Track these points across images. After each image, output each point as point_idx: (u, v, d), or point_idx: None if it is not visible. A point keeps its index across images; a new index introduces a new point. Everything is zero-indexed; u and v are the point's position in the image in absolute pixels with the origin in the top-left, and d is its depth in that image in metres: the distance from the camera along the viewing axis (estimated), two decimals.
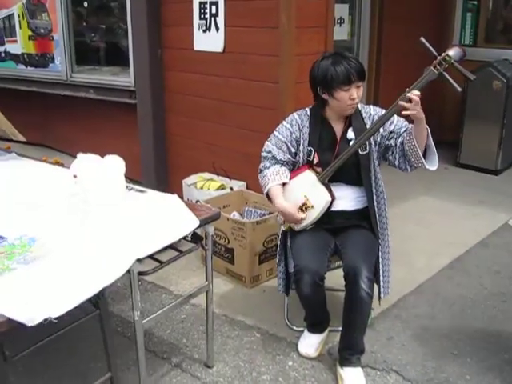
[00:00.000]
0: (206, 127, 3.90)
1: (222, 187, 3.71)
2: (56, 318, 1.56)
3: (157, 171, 4.21)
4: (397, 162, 2.44)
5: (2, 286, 1.67)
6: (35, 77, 5.17)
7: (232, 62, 3.55)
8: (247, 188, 3.71)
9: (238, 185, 3.72)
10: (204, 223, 2.14)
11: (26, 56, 5.23)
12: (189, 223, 2.06)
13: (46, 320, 1.53)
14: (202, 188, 3.71)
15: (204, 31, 3.62)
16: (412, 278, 3.28)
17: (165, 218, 2.10)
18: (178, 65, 3.93)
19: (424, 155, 2.34)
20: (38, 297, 1.61)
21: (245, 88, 3.54)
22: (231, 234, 3.17)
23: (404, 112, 2.24)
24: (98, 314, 1.96)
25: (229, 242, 3.22)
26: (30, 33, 5.11)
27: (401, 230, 3.76)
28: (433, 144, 2.36)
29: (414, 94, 2.20)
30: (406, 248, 3.61)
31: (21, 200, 2.34)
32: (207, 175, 3.88)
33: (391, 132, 2.43)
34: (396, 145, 2.41)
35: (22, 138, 3.03)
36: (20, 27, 5.18)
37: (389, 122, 2.41)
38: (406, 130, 2.40)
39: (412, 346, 2.67)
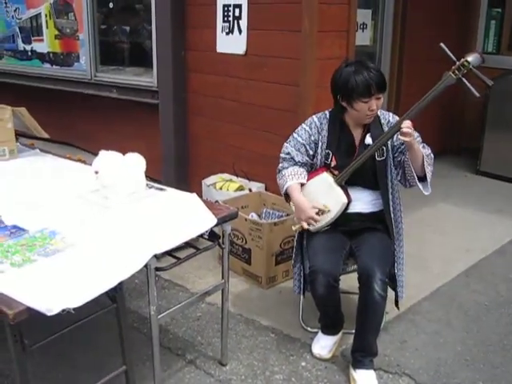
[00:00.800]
0: (226, 128, 3.94)
1: (240, 188, 3.74)
2: (74, 310, 1.60)
3: (177, 171, 4.26)
4: (399, 177, 2.52)
5: (23, 277, 1.72)
6: (60, 75, 5.26)
7: (254, 64, 3.58)
8: (266, 190, 3.75)
9: (257, 186, 3.76)
10: (221, 222, 2.17)
11: (51, 55, 5.33)
12: (207, 221, 2.10)
13: (64, 310, 1.58)
14: (221, 189, 3.75)
15: (227, 34, 3.66)
16: (428, 283, 3.28)
17: (183, 215, 2.14)
18: (201, 66, 3.98)
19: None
20: (58, 288, 1.66)
21: (265, 90, 3.57)
22: (249, 235, 3.21)
23: (400, 137, 2.28)
24: (114, 308, 2.00)
25: (246, 243, 3.25)
26: (56, 32, 5.21)
27: (418, 235, 3.76)
28: (429, 172, 2.42)
29: (406, 127, 2.24)
30: (422, 253, 3.61)
31: (43, 194, 2.40)
32: (227, 176, 3.92)
33: (402, 143, 2.44)
34: (401, 160, 2.46)
35: (45, 135, 3.09)
36: (47, 27, 5.28)
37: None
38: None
39: (425, 350, 2.67)
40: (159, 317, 2.07)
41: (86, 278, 1.72)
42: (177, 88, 4.08)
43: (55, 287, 1.65)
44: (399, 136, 2.28)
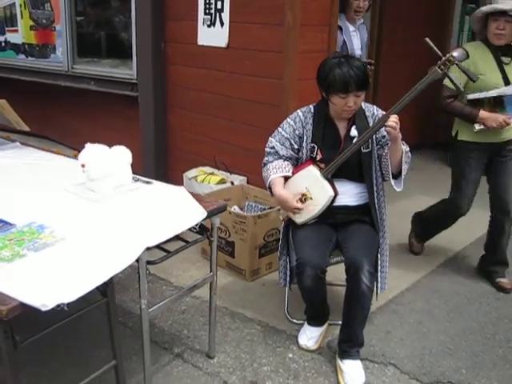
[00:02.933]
0: (207, 122, 3.93)
1: (222, 181, 3.74)
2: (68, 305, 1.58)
3: (157, 164, 4.23)
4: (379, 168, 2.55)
5: (14, 272, 1.69)
6: (36, 67, 5.17)
7: (236, 57, 3.57)
8: (248, 183, 3.75)
9: (239, 179, 3.76)
10: (211, 215, 2.17)
11: (26, 46, 5.22)
12: (197, 214, 2.10)
13: (58, 306, 1.56)
14: (202, 181, 3.74)
15: (208, 26, 3.64)
16: (409, 274, 3.34)
17: (173, 208, 2.14)
18: (181, 59, 3.95)
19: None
20: (51, 283, 1.63)
21: (248, 84, 3.57)
22: (232, 228, 3.21)
23: (387, 129, 2.32)
24: (105, 302, 1.98)
25: (230, 236, 3.25)
26: (31, 23, 5.11)
27: (398, 227, 3.80)
28: (405, 169, 2.46)
29: (393, 121, 2.28)
30: (403, 245, 3.67)
31: (28, 188, 2.36)
32: (208, 169, 3.91)
33: (384, 136, 2.48)
34: (380, 154, 2.51)
35: (26, 128, 3.03)
36: (21, 17, 5.18)
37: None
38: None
39: (409, 340, 2.72)
40: (150, 310, 2.06)
41: (79, 273, 1.70)
42: (157, 80, 4.05)
43: (49, 282, 1.63)
44: (386, 128, 2.31)
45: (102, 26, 5.05)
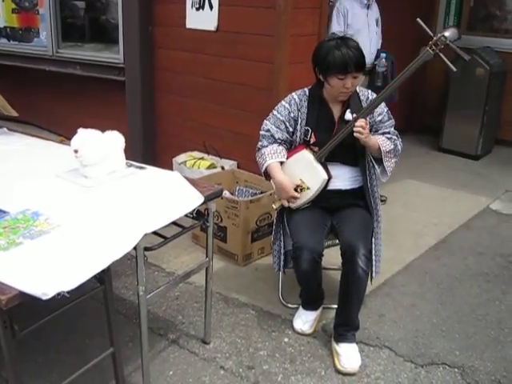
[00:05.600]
0: (196, 106, 3.89)
1: (212, 166, 3.71)
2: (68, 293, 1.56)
3: (145, 150, 4.18)
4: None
5: (11, 260, 1.66)
6: (19, 51, 5.04)
7: (225, 41, 3.53)
8: (238, 167, 3.73)
9: (229, 164, 3.73)
10: (207, 200, 2.15)
11: (8, 30, 5.09)
12: (194, 199, 2.07)
13: (59, 294, 1.53)
14: (192, 166, 3.71)
15: (197, 9, 3.59)
16: (400, 257, 3.36)
17: (170, 193, 2.12)
18: (169, 43, 3.89)
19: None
20: (50, 271, 1.60)
21: (238, 67, 3.53)
22: (224, 213, 3.19)
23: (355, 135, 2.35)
24: (102, 290, 1.96)
25: (222, 221, 3.23)
26: (13, 6, 4.98)
27: (388, 211, 3.82)
28: (389, 166, 2.51)
29: (359, 125, 2.31)
30: (393, 229, 3.68)
31: (19, 174, 2.31)
32: (197, 154, 3.88)
33: (380, 121, 2.50)
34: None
35: (14, 114, 2.96)
36: (2, 0, 5.04)
37: (377, 113, 2.47)
38: (383, 133, 2.51)
39: (403, 322, 2.74)
40: (148, 297, 2.04)
41: (78, 260, 1.67)
42: (144, 64, 3.99)
43: (48, 270, 1.60)
44: (354, 134, 2.34)
45: (87, 9, 4.95)
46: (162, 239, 2.14)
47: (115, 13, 4.18)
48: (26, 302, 1.52)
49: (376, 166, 2.51)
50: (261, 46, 3.34)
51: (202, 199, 2.09)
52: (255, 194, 3.42)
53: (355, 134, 2.33)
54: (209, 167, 3.70)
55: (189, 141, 3.97)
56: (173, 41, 3.87)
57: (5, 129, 3.00)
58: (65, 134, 4.59)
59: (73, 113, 4.78)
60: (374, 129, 2.51)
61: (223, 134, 3.76)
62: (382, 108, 2.51)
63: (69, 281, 1.58)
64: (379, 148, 2.42)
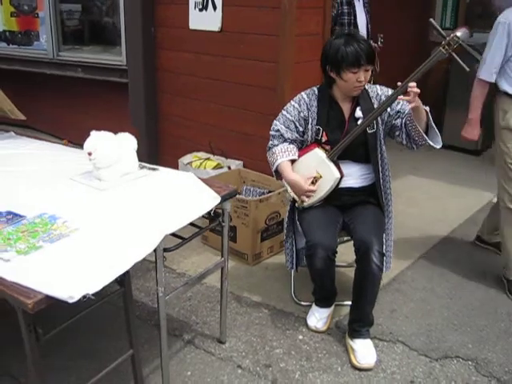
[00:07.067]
0: (201, 107, 3.89)
1: (219, 166, 3.72)
2: (93, 295, 1.56)
3: (149, 152, 4.18)
4: (404, 142, 2.51)
5: (33, 264, 1.66)
6: (19, 55, 5.03)
7: (229, 41, 3.54)
8: (244, 167, 3.74)
9: (235, 164, 3.74)
10: (223, 200, 2.16)
11: (7, 33, 5.07)
12: (211, 199, 2.08)
13: (84, 297, 1.53)
14: (198, 167, 3.71)
15: (200, 10, 3.59)
16: (408, 253, 3.38)
17: (187, 193, 2.12)
18: (172, 44, 3.89)
19: (427, 134, 2.43)
20: (74, 274, 1.61)
21: (242, 67, 3.54)
22: (234, 212, 3.20)
23: (403, 98, 2.30)
24: (121, 292, 1.96)
25: (231, 220, 3.23)
26: (12, 9, 4.96)
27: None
28: (433, 125, 2.43)
29: (413, 86, 2.26)
30: (398, 225, 3.65)
31: (32, 178, 2.32)
32: (203, 154, 3.89)
33: (398, 112, 2.49)
34: (402, 124, 2.48)
35: (22, 117, 2.96)
36: (1, 3, 5.02)
37: (396, 102, 2.47)
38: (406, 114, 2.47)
39: (415, 317, 2.76)
40: (167, 298, 2.05)
41: (101, 262, 1.68)
42: (147, 66, 3.99)
43: (71, 273, 1.60)
44: (403, 98, 2.29)
45: (87, 12, 4.92)
46: (177, 239, 2.15)
47: (117, 14, 4.18)
48: (49, 306, 1.52)
49: (427, 138, 2.41)
50: (265, 45, 3.35)
51: (218, 199, 2.10)
52: (263, 193, 3.43)
53: (409, 98, 2.26)
54: (215, 167, 3.70)
55: (193, 141, 3.97)
56: (176, 42, 3.87)
57: (12, 133, 3.01)
58: (67, 138, 4.60)
59: (75, 116, 4.78)
60: (397, 116, 2.48)
61: (228, 134, 3.77)
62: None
63: (93, 283, 1.58)
64: (426, 111, 2.37)
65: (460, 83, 5.18)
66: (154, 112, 4.14)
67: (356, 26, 3.76)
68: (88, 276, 1.61)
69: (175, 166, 3.82)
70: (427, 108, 2.42)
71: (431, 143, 2.45)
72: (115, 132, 2.37)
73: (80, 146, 2.31)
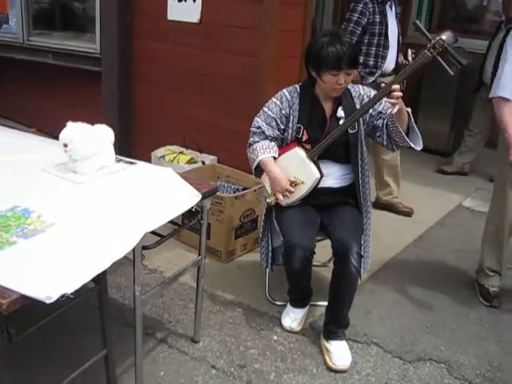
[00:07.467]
0: (176, 99, 3.81)
1: (192, 161, 3.65)
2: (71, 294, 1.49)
3: (121, 143, 4.04)
4: (385, 143, 2.50)
5: (7, 261, 1.58)
6: None
7: (209, 33, 3.47)
8: (218, 162, 3.68)
9: (209, 159, 3.68)
10: (203, 197, 2.10)
11: None
12: (191, 197, 2.03)
13: (63, 296, 1.47)
14: (172, 161, 3.64)
15: (179, 0, 3.51)
16: (380, 254, 3.38)
17: (167, 190, 2.07)
18: (149, 33, 3.80)
19: (408, 135, 2.41)
20: (51, 272, 1.54)
21: (221, 60, 3.47)
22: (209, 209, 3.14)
23: (388, 100, 2.28)
24: (96, 290, 1.89)
25: None
26: None
27: None
28: (415, 127, 2.41)
29: (396, 89, 2.24)
30: (372, 226, 3.71)
31: (2, 168, 2.21)
32: (176, 148, 3.81)
33: (379, 112, 2.48)
34: (383, 125, 2.47)
35: None
36: None
37: (378, 103, 2.45)
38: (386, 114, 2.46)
39: (389, 319, 2.77)
40: (143, 297, 1.99)
41: (78, 260, 1.61)
42: (122, 55, 3.88)
43: (48, 271, 1.53)
44: (390, 100, 2.26)
45: None
46: (154, 237, 2.08)
47: (92, 0, 4.04)
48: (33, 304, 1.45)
49: (408, 140, 2.38)
50: (246, 39, 3.29)
51: (199, 197, 2.04)
52: (237, 189, 3.39)
53: (394, 101, 2.23)
54: (188, 162, 3.64)
55: (167, 134, 3.89)
56: (153, 31, 3.78)
57: None
58: (36, 126, 4.45)
59: (44, 104, 4.61)
60: (378, 116, 2.47)
61: (204, 128, 3.70)
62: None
63: (71, 282, 1.51)
64: (408, 113, 2.34)
65: (432, 86, 5.26)
66: (128, 102, 4.04)
67: (387, 36, 3.60)
68: (65, 274, 1.54)
69: (148, 159, 3.73)
70: (409, 109, 2.41)
71: (412, 145, 2.44)
72: (88, 122, 2.28)
73: (49, 135, 2.22)
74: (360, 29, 3.52)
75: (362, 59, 3.58)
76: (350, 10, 3.55)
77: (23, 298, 1.44)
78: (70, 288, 1.49)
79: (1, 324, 1.52)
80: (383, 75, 3.67)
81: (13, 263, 1.57)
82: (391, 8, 3.66)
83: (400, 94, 2.23)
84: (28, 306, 1.45)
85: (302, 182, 2.44)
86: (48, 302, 1.43)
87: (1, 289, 1.45)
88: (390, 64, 3.70)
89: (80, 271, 1.57)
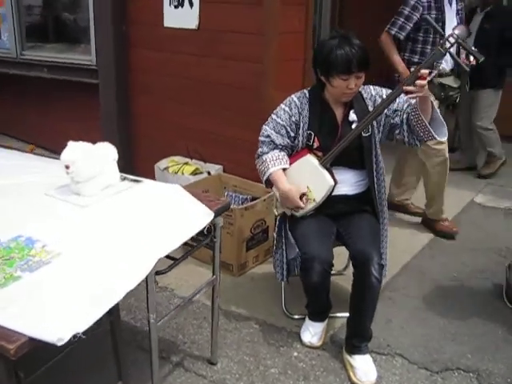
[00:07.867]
0: (176, 109, 3.71)
1: (197, 171, 3.55)
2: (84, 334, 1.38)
3: (122, 156, 3.93)
4: (406, 139, 2.37)
5: (12, 299, 1.47)
6: None
7: (208, 40, 3.36)
8: (224, 171, 3.58)
9: (215, 168, 3.58)
10: (216, 215, 2.00)
11: None
12: (203, 215, 1.92)
13: (75, 337, 1.36)
14: (176, 173, 3.53)
15: (176, 7, 3.40)
16: (395, 259, 3.26)
17: (177, 210, 1.96)
18: (146, 42, 3.70)
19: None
20: (61, 310, 1.43)
21: (221, 67, 3.37)
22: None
23: (410, 96, 2.18)
24: (109, 321, 1.79)
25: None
26: None
27: None
28: (439, 115, 2.30)
29: (424, 74, 2.13)
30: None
31: (1, 193, 2.10)
32: (180, 159, 3.70)
33: (395, 110, 2.37)
34: (402, 121, 2.35)
35: None
36: None
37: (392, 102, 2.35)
38: (409, 106, 2.34)
39: (410, 327, 2.67)
40: (159, 324, 1.88)
41: (89, 294, 1.50)
42: (119, 66, 3.78)
43: (57, 309, 1.42)
44: (410, 96, 2.18)
45: (53, 8, 4.63)
46: (167, 260, 1.98)
47: (85, 11, 3.93)
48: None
49: (433, 132, 2.26)
50: (247, 44, 3.18)
51: (211, 215, 1.93)
52: (246, 199, 3.28)
53: (416, 95, 2.14)
54: (193, 173, 3.53)
55: (169, 145, 3.79)
56: (149, 40, 3.67)
57: None
58: (33, 142, 4.34)
59: (41, 119, 4.51)
60: (395, 115, 2.36)
61: (206, 137, 3.59)
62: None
63: (83, 319, 1.41)
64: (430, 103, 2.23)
65: None
66: (127, 114, 3.93)
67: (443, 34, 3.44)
68: (76, 311, 1.43)
69: (151, 172, 3.63)
70: (432, 98, 2.29)
71: (436, 137, 2.30)
72: (86, 136, 2.18)
73: (47, 150, 2.13)
74: (411, 25, 3.31)
75: (417, 58, 3.39)
76: (403, 3, 3.34)
77: (32, 341, 1.33)
78: (82, 326, 1.38)
79: (9, 368, 1.41)
80: (441, 75, 3.43)
81: (19, 301, 1.46)
82: (450, 4, 3.39)
83: (425, 82, 2.12)
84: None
85: (314, 200, 2.34)
86: (59, 344, 1.32)
87: (7, 331, 1.33)
88: (447, 63, 3.45)
89: (91, 306, 1.46)
